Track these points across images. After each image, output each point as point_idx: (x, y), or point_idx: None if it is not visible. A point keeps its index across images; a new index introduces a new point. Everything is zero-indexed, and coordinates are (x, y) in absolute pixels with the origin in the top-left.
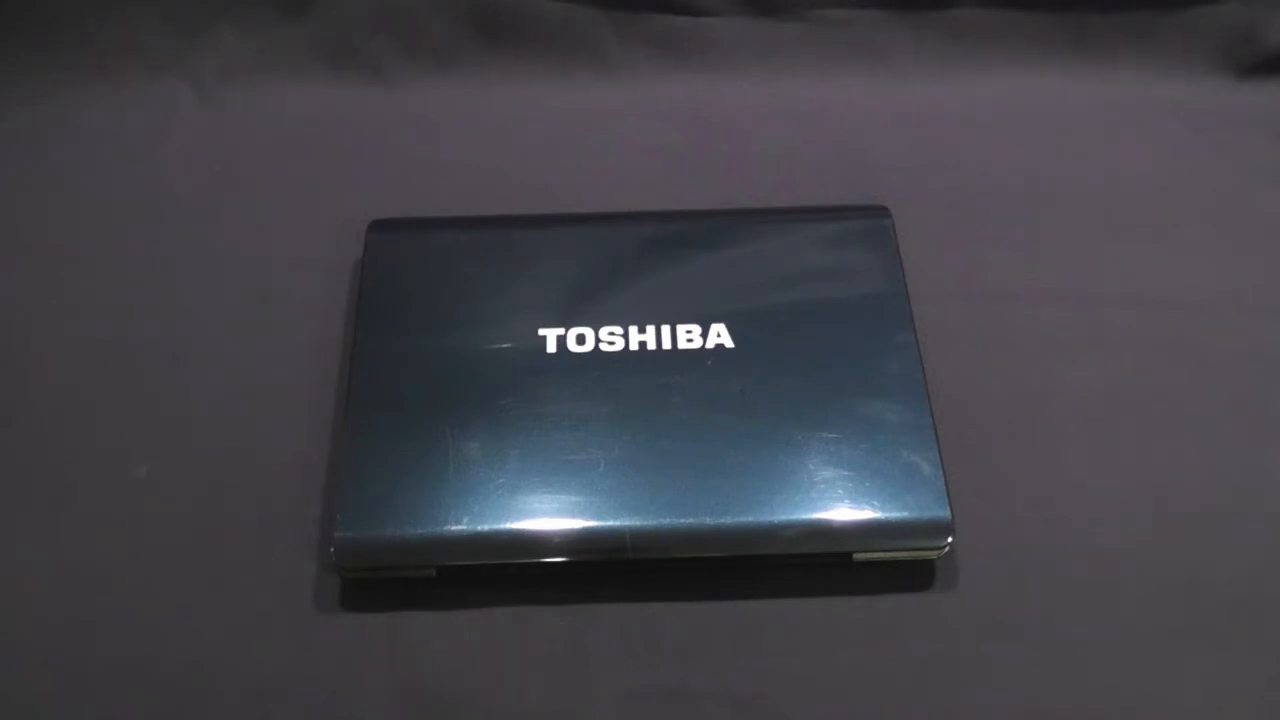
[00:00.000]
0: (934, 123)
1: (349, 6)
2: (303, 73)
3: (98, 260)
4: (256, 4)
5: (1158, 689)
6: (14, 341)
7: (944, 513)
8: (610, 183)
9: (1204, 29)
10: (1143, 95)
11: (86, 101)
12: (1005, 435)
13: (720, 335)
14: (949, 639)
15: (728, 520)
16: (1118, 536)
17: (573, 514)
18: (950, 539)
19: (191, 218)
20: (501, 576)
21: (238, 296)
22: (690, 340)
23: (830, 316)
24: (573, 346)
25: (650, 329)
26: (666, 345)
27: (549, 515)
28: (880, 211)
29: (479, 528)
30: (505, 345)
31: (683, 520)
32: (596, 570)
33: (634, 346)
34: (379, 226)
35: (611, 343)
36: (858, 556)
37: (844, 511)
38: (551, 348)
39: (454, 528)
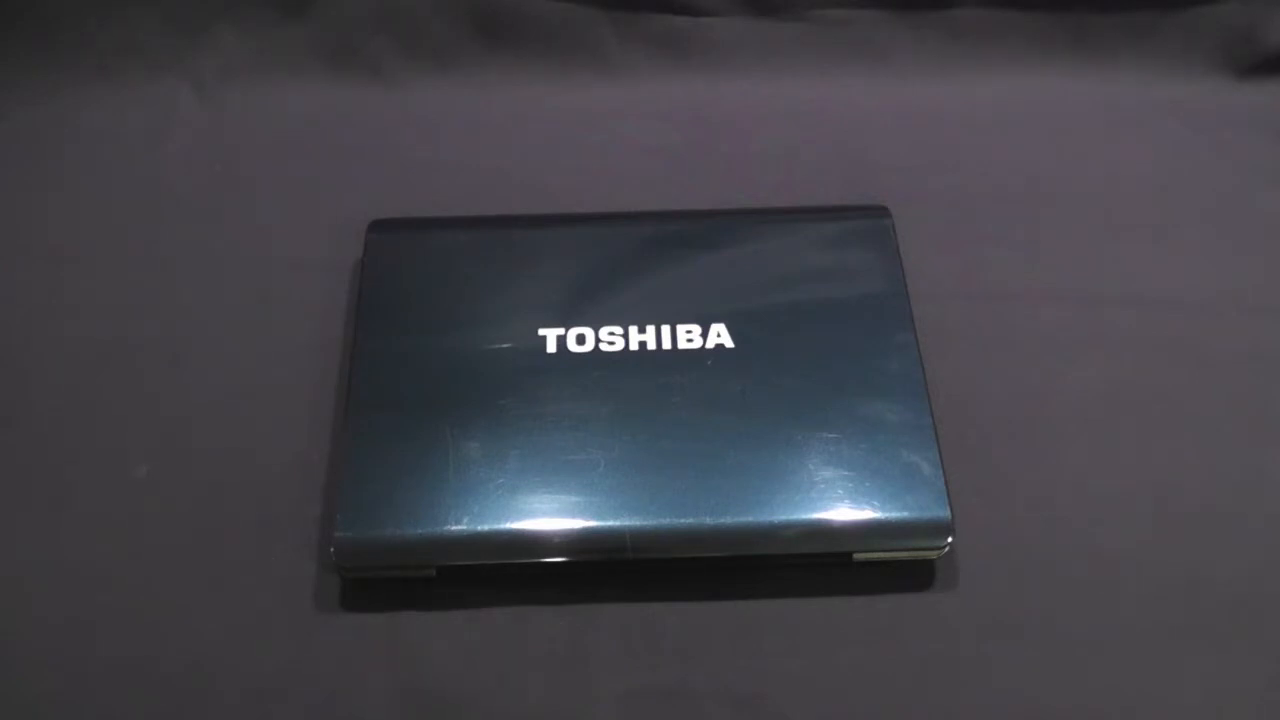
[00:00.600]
0: (934, 123)
1: (349, 6)
2: (303, 73)
3: (98, 260)
4: (256, 4)
5: (1158, 689)
6: (14, 341)
7: (944, 513)
8: (610, 183)
9: (1204, 29)
10: (1143, 95)
11: (86, 101)
12: (1005, 435)
13: (720, 335)
14: (949, 639)
15: (728, 520)
16: (1118, 536)
17: (573, 514)
18: (950, 539)
19: (191, 218)
20: (501, 576)
21: (238, 296)
22: (690, 340)
23: (830, 316)
24: (573, 346)
25: (650, 329)
26: (666, 345)
27: (549, 515)
28: (880, 211)
29: (479, 528)
30: (505, 345)
31: (683, 520)
32: (596, 570)
33: (634, 346)
34: (379, 226)
35: (611, 343)
36: (858, 556)
37: (844, 511)
38: (551, 348)
39: (454, 528)
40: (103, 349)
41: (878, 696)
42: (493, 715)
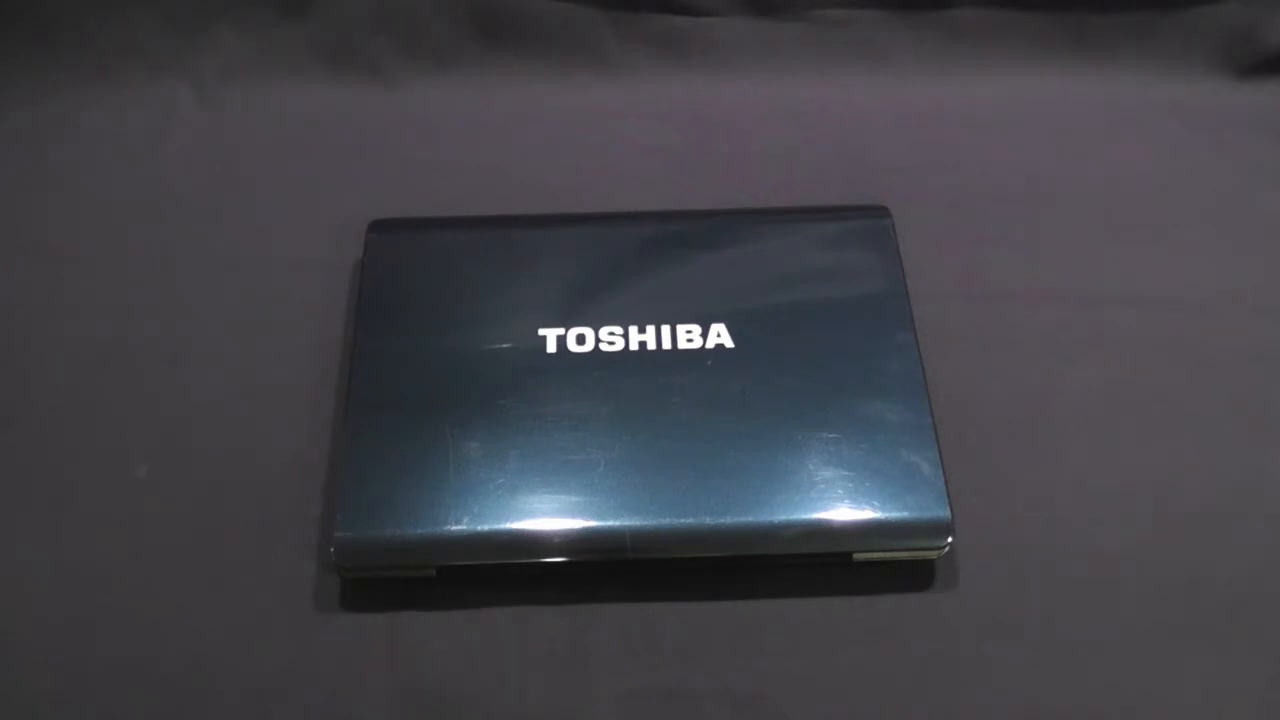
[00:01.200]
0: (934, 123)
1: (349, 6)
2: (303, 73)
3: (98, 260)
4: (256, 4)
5: (1158, 689)
6: (14, 341)
7: (944, 513)
8: (610, 183)
9: (1204, 29)
10: (1143, 95)
11: (86, 101)
12: (1005, 435)
13: (720, 335)
14: (949, 639)
15: (728, 520)
16: (1118, 536)
17: (573, 514)
18: (950, 539)
19: (191, 218)
20: (501, 576)
21: (238, 296)
22: (690, 340)
23: (830, 316)
24: (573, 346)
25: (650, 329)
26: (666, 345)
27: (549, 515)
28: (880, 211)
29: (479, 528)
30: (505, 345)
31: (683, 520)
32: (596, 570)
33: (634, 346)
34: (379, 226)
35: (611, 343)
36: (858, 556)
37: (844, 511)
38: (551, 348)
39: (454, 528)
40: (103, 349)
41: (878, 696)
42: (493, 715)
